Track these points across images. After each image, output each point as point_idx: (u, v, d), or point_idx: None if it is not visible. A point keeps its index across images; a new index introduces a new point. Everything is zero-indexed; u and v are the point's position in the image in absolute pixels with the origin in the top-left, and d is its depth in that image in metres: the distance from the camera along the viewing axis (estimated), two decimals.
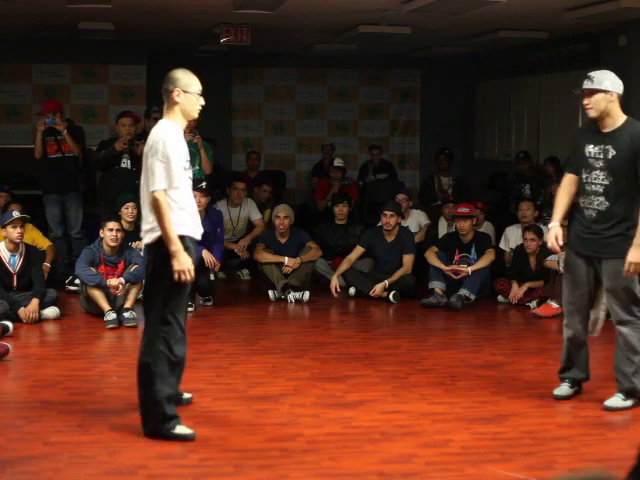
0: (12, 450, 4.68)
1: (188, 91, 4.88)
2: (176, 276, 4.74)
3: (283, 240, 9.42)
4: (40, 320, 7.86)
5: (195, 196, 8.80)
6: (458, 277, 8.95)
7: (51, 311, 7.99)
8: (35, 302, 7.83)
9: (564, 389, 5.77)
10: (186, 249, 4.81)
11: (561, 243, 5.55)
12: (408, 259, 9.27)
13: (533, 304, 8.64)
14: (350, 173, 12.95)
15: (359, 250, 9.41)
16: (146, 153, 4.92)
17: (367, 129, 15.12)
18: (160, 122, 4.99)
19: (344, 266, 9.31)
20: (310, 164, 14.25)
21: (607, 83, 5.38)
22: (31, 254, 8.14)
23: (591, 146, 5.48)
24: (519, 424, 5.24)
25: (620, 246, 5.34)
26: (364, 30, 10.50)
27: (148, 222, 4.91)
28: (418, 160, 15.29)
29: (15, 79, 12.61)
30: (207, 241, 8.79)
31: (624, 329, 5.46)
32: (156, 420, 4.83)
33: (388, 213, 9.32)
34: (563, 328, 5.75)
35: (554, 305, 8.36)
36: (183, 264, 4.73)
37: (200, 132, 9.41)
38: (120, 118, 9.69)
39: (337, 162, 12.04)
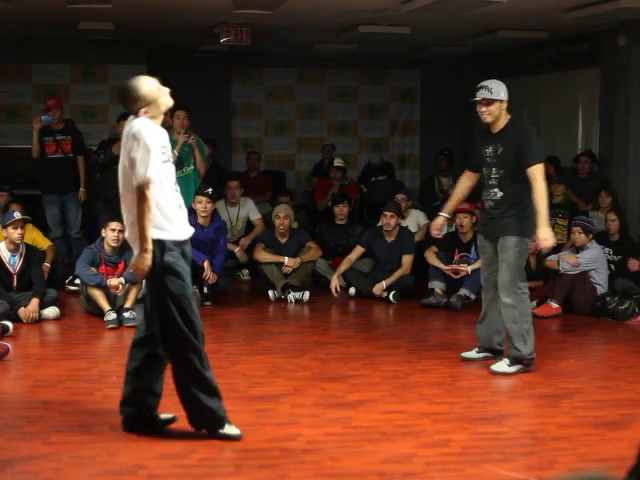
0: (12, 450, 4.68)
1: (150, 102, 4.76)
2: (132, 269, 4.70)
3: (283, 240, 9.42)
4: (40, 320, 7.87)
5: (201, 201, 8.90)
6: (458, 277, 8.95)
7: (51, 311, 7.99)
8: (35, 302, 7.83)
9: (472, 353, 6.67)
10: (169, 251, 4.67)
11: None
12: (407, 259, 9.27)
13: (533, 304, 8.63)
14: (350, 173, 12.95)
15: (359, 250, 9.41)
16: (124, 148, 4.80)
17: (367, 129, 15.11)
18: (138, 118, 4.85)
19: (344, 266, 9.31)
20: (310, 164, 14.25)
21: (502, 94, 6.23)
22: (31, 254, 8.14)
23: (486, 146, 6.36)
24: (519, 424, 5.24)
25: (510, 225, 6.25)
26: (364, 30, 10.50)
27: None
28: (418, 160, 15.29)
29: (15, 79, 12.60)
30: (209, 251, 8.79)
31: (508, 299, 6.25)
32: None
33: (388, 214, 9.32)
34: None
35: (554, 305, 8.36)
36: (144, 265, 4.62)
37: (200, 132, 9.41)
38: (120, 120, 9.67)
39: (337, 162, 12.05)
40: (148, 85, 4.80)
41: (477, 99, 6.26)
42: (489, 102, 6.22)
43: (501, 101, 6.24)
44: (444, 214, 6.92)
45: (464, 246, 9.18)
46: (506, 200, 6.28)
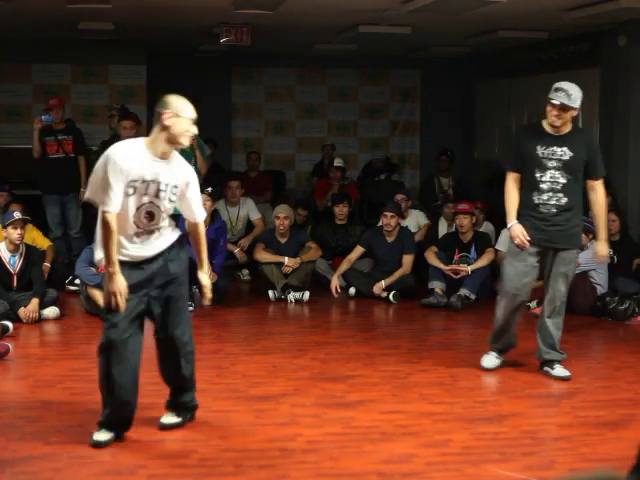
0: (12, 450, 4.68)
1: (180, 115, 4.65)
2: (107, 298, 4.63)
3: (283, 240, 9.42)
4: (40, 320, 7.87)
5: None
6: (458, 277, 8.95)
7: (51, 311, 7.99)
8: (35, 302, 7.83)
9: (492, 360, 6.46)
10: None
11: (528, 238, 6.06)
12: (408, 259, 9.27)
13: (533, 304, 8.62)
14: (350, 173, 12.95)
15: (359, 250, 9.41)
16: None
17: (367, 129, 15.11)
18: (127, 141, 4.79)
19: (344, 266, 9.31)
20: (310, 164, 14.25)
21: (579, 102, 5.94)
22: (31, 254, 8.14)
23: (545, 147, 6.05)
24: (519, 424, 5.24)
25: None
26: (364, 30, 10.50)
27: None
28: (418, 160, 15.29)
29: (15, 79, 12.60)
30: (209, 251, 8.77)
31: (562, 310, 6.23)
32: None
33: (389, 214, 9.32)
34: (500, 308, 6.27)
35: None
36: (115, 286, 4.60)
37: (200, 132, 9.40)
38: (122, 120, 9.69)
39: (337, 162, 12.05)
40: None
41: (555, 102, 5.94)
42: (565, 108, 5.94)
43: (576, 109, 5.99)
44: (515, 221, 6.20)
45: (464, 246, 9.18)
46: (571, 207, 6.08)
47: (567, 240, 6.10)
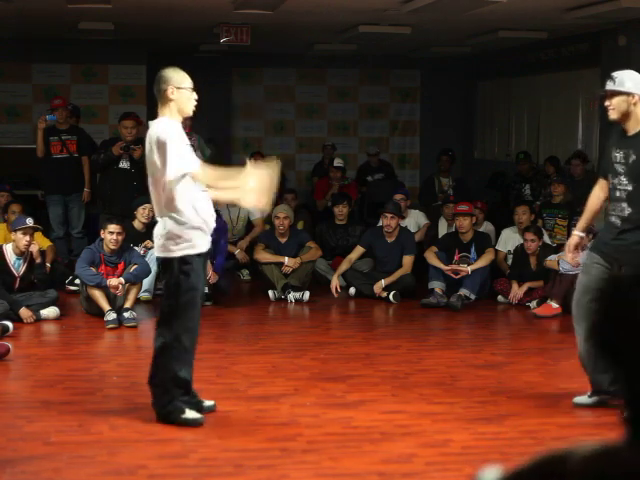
0: (12, 450, 4.68)
1: (181, 87, 4.95)
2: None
3: (283, 240, 9.42)
4: (40, 320, 7.87)
5: None
6: (458, 277, 8.95)
7: (51, 311, 7.99)
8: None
9: (584, 398, 5.60)
10: (192, 271, 4.87)
11: (582, 255, 5.48)
12: (408, 260, 9.27)
13: (533, 304, 8.63)
14: (350, 173, 12.95)
15: (359, 250, 9.41)
16: (149, 152, 4.92)
17: (367, 129, 15.11)
18: (156, 120, 4.99)
19: (344, 266, 9.31)
20: (310, 164, 14.24)
21: (629, 84, 5.20)
22: (34, 260, 8.20)
23: (617, 150, 5.33)
24: (519, 424, 5.24)
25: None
26: (364, 30, 10.49)
27: (160, 234, 4.95)
28: (418, 160, 15.28)
29: (15, 79, 12.59)
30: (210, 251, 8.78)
31: None
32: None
33: (389, 215, 9.31)
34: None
35: (554, 305, 8.36)
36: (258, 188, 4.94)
37: (200, 132, 9.41)
38: (122, 120, 9.69)
39: (336, 162, 12.05)
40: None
41: (602, 92, 5.36)
42: (613, 93, 5.22)
43: (628, 94, 5.18)
44: (579, 233, 5.66)
45: (464, 246, 9.18)
46: (636, 219, 5.26)
47: (630, 256, 5.27)
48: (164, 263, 5.02)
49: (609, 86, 5.25)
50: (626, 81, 5.21)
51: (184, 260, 4.89)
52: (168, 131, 4.85)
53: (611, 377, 5.03)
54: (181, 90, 4.95)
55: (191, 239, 4.90)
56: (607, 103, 5.27)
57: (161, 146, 4.81)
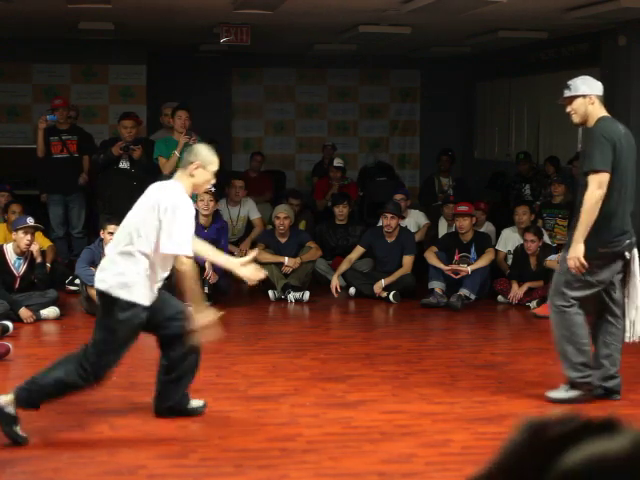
0: (12, 450, 4.68)
1: (207, 168, 5.04)
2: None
3: (283, 240, 9.42)
4: (40, 320, 7.87)
5: (203, 199, 8.88)
6: (458, 277, 8.95)
7: (51, 311, 7.99)
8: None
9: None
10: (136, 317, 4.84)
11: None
12: (408, 260, 9.27)
13: (533, 304, 8.63)
14: (350, 173, 12.95)
15: (359, 250, 9.41)
16: (149, 209, 4.91)
17: (367, 129, 15.11)
18: (172, 183, 5.07)
19: (344, 266, 9.31)
20: (310, 164, 14.24)
21: (584, 88, 5.56)
22: (35, 259, 8.19)
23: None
24: None
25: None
26: (364, 30, 10.50)
27: (116, 270, 4.90)
28: (418, 160, 15.28)
29: (15, 79, 12.59)
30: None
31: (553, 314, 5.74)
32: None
33: (389, 215, 9.31)
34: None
35: None
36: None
37: (200, 132, 9.41)
38: (122, 120, 9.69)
39: (336, 162, 12.05)
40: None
41: (561, 101, 5.72)
42: (571, 99, 5.57)
43: (584, 96, 5.54)
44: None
45: (464, 246, 9.18)
46: (578, 209, 5.54)
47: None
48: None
49: (567, 94, 5.61)
50: (580, 86, 5.59)
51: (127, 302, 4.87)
52: (188, 204, 4.92)
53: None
54: (205, 171, 5.04)
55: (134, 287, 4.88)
56: (568, 109, 5.64)
57: (175, 214, 4.83)
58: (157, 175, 9.62)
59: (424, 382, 6.10)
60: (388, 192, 10.94)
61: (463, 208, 9.22)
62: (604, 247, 5.49)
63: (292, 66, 14.59)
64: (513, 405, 5.62)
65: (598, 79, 5.85)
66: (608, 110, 5.77)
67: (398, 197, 10.21)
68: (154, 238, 4.82)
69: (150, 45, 12.69)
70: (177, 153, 8.94)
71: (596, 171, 5.44)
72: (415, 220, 10.49)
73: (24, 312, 7.77)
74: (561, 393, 5.70)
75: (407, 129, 15.29)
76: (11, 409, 4.67)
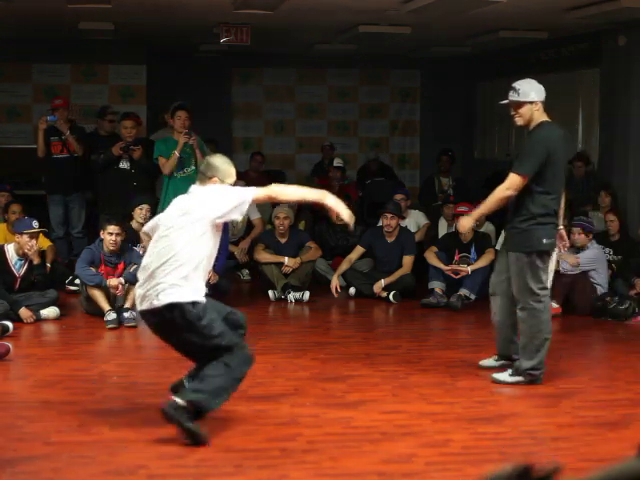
0: (12, 450, 4.68)
1: (225, 182, 5.10)
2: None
3: (283, 240, 9.42)
4: (40, 320, 7.87)
5: None
6: (458, 277, 8.95)
7: (51, 311, 7.99)
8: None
9: (490, 361, 6.39)
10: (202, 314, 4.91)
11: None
12: (408, 260, 9.27)
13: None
14: (350, 173, 12.94)
15: (359, 250, 9.41)
16: (189, 212, 4.96)
17: (367, 129, 15.11)
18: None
19: (344, 266, 9.31)
20: (310, 164, 14.24)
21: (533, 95, 5.91)
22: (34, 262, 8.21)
23: None
24: (519, 424, 5.24)
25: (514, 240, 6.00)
26: (364, 30, 10.49)
27: (165, 281, 4.89)
28: (418, 160, 15.28)
29: (15, 79, 12.59)
30: None
31: (519, 313, 6.01)
32: None
33: (389, 215, 9.31)
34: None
35: (554, 305, 8.35)
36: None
37: (200, 132, 9.41)
38: (122, 120, 9.68)
39: (336, 162, 12.05)
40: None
41: (506, 102, 6.02)
42: (519, 105, 5.94)
43: (532, 102, 5.93)
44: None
45: (464, 246, 9.19)
46: (516, 207, 6.07)
47: (510, 242, 6.11)
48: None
49: (514, 97, 5.90)
50: (529, 92, 5.91)
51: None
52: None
53: (516, 347, 6.11)
54: (223, 184, 5.13)
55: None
56: (513, 113, 5.94)
57: (222, 189, 5.01)
58: (157, 175, 9.65)
59: (424, 382, 6.10)
60: (388, 192, 10.94)
61: (463, 209, 9.22)
62: (550, 239, 5.92)
63: (292, 66, 14.58)
64: (513, 405, 5.62)
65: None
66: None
67: (398, 197, 10.21)
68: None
69: (150, 45, 12.69)
70: (177, 153, 8.96)
71: (519, 174, 5.89)
72: (415, 220, 10.49)
73: (24, 312, 7.77)
74: (506, 376, 6.04)
75: (407, 129, 15.28)
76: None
